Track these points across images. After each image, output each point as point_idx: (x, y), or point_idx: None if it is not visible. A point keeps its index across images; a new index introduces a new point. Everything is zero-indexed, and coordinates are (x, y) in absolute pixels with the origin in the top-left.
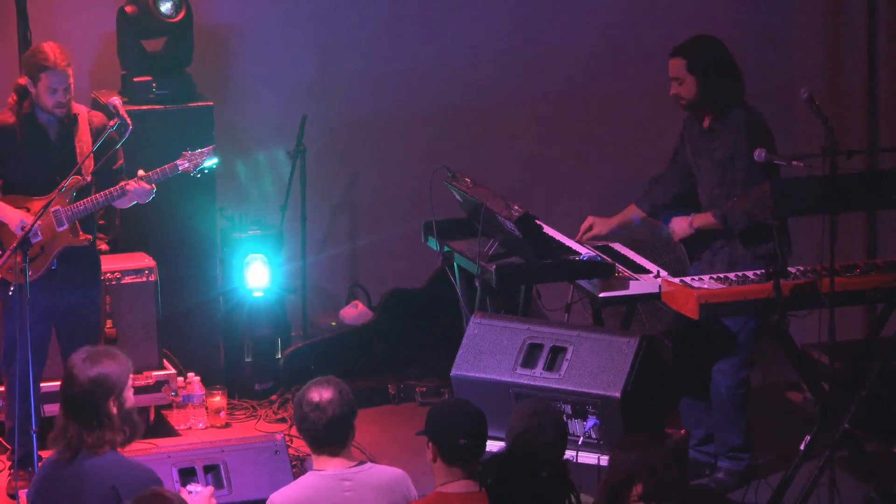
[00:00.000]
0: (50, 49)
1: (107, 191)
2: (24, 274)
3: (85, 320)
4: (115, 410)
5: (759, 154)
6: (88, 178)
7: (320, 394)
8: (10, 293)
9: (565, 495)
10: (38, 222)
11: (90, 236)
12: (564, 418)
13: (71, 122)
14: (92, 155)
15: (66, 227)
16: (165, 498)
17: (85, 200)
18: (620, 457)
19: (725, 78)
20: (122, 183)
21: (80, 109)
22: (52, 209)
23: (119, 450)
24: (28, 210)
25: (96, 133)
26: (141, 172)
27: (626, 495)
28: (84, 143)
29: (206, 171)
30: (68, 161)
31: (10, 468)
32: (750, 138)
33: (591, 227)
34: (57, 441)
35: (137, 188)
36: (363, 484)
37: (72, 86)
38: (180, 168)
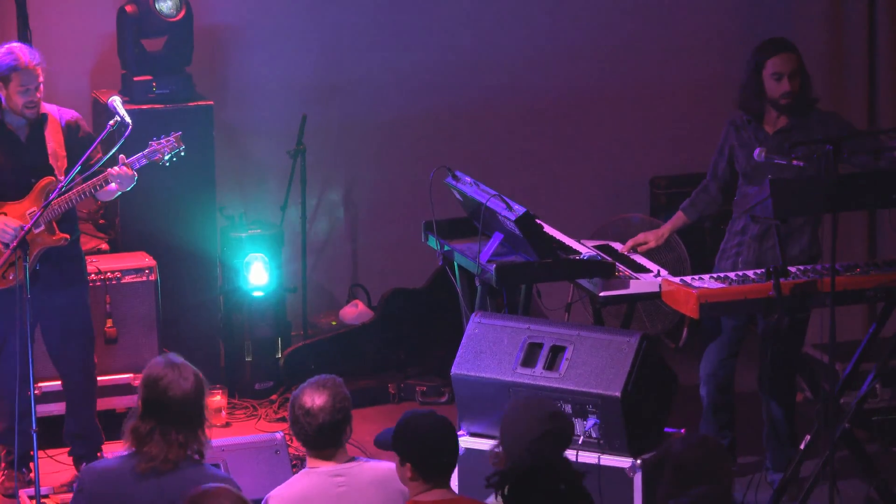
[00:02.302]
0: (19, 50)
1: (80, 187)
2: (19, 275)
3: (73, 320)
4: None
5: (759, 153)
6: (62, 178)
7: (313, 399)
8: None
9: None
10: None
11: (68, 235)
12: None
13: (40, 121)
14: (64, 155)
15: (42, 228)
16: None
17: (59, 199)
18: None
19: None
20: (105, 174)
21: (50, 108)
22: (28, 211)
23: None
24: (6, 214)
25: (68, 131)
26: (123, 158)
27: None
28: (56, 142)
29: (174, 160)
30: (40, 163)
31: (2, 469)
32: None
33: (645, 242)
34: (155, 450)
35: (122, 173)
36: (356, 479)
37: (41, 85)
38: (154, 156)
